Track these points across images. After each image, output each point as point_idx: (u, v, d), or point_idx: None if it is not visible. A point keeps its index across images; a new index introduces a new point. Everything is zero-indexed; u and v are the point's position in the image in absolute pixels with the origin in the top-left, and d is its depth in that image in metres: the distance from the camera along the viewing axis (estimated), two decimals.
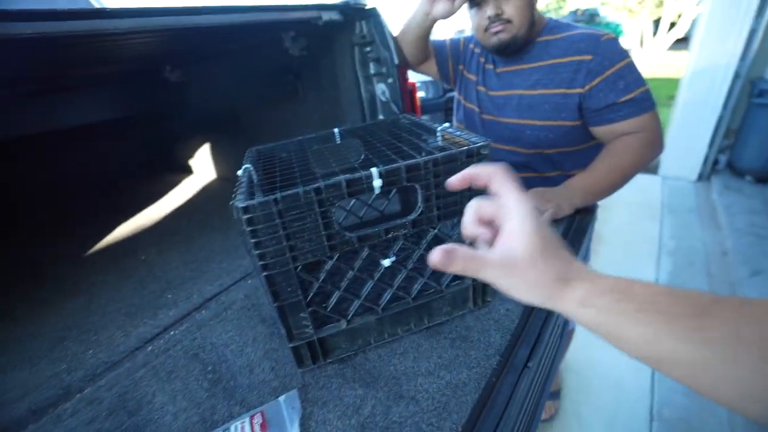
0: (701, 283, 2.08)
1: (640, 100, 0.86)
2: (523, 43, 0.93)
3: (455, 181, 0.37)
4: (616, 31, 10.37)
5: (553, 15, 10.12)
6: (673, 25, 7.87)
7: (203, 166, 1.93)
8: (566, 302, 0.31)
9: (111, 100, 2.00)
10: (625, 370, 1.56)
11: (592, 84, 0.86)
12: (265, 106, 1.61)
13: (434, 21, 1.01)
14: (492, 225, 0.36)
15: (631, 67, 0.86)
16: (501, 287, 0.33)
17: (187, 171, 2.02)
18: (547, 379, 0.63)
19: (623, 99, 0.85)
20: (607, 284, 0.31)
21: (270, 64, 1.43)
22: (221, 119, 1.84)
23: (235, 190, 0.50)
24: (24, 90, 1.51)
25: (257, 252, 0.46)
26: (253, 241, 0.45)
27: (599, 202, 1.08)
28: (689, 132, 3.03)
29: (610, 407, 1.47)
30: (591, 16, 10.43)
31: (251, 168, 0.59)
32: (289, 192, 0.44)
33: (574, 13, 10.52)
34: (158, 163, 2.09)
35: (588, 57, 0.86)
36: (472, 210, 0.36)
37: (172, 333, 0.72)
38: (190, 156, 1.98)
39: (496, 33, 0.90)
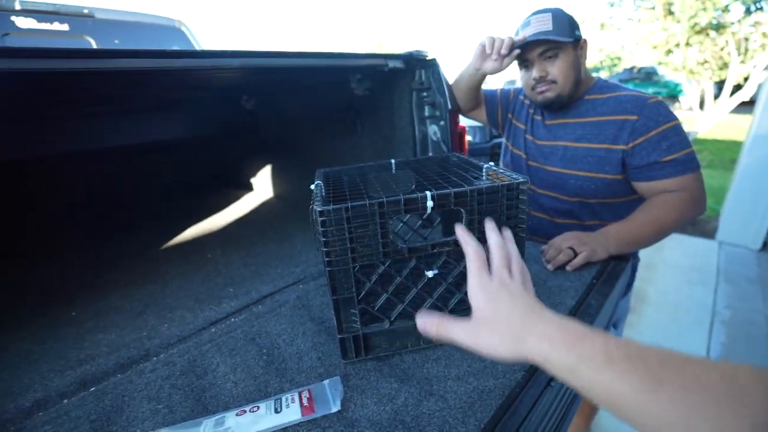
0: (761, 360, 1.92)
1: (684, 161, 0.90)
2: (568, 100, 1.01)
3: (459, 231, 0.49)
4: (675, 90, 10.14)
5: (607, 72, 10.12)
6: (738, 87, 7.60)
7: (263, 185, 2.14)
8: (533, 360, 0.36)
9: (192, 121, 2.30)
10: None
11: (636, 142, 0.92)
12: (324, 138, 1.79)
13: (484, 75, 1.13)
14: None
15: (677, 129, 0.91)
16: (471, 347, 0.40)
17: (248, 188, 2.24)
18: (572, 404, 0.66)
19: (666, 158, 0.90)
20: (565, 339, 0.35)
21: (334, 101, 1.61)
22: (284, 145, 2.06)
23: (311, 199, 0.61)
24: (125, 108, 1.80)
25: (325, 249, 0.56)
26: (323, 240, 0.55)
27: (643, 261, 1.09)
28: (752, 197, 2.89)
29: None
30: (648, 75, 10.31)
31: (322, 184, 0.71)
32: (358, 203, 0.54)
33: (630, 70, 10.45)
34: (223, 179, 2.33)
35: (634, 117, 0.93)
36: None
37: (233, 319, 0.83)
38: (253, 175, 2.20)
39: (542, 92, 1.00)
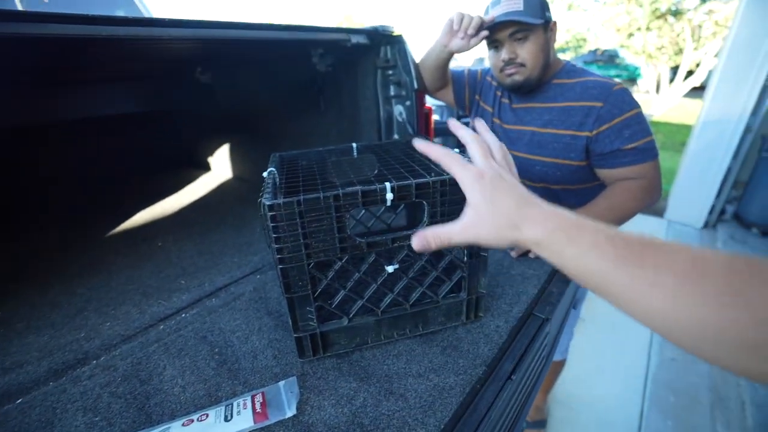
0: None
1: (644, 149, 0.92)
2: (537, 84, 0.99)
3: (420, 145, 0.48)
4: (635, 73, 10.53)
5: (572, 53, 10.32)
6: (690, 73, 7.99)
7: (221, 165, 2.01)
8: (526, 244, 0.39)
9: (141, 95, 2.11)
10: (614, 408, 1.57)
11: (600, 129, 0.92)
12: (286, 115, 1.69)
13: (451, 53, 1.08)
14: None
15: (639, 117, 0.92)
16: (471, 241, 0.42)
17: (205, 168, 2.11)
18: (530, 393, 0.67)
19: (628, 147, 0.91)
20: (557, 225, 0.37)
21: (296, 76, 1.52)
22: (243, 123, 1.93)
23: (261, 189, 0.56)
24: (64, 78, 1.61)
25: (276, 246, 0.51)
26: (274, 236, 0.51)
27: None
28: (697, 179, 3.07)
29: None
30: (610, 57, 10.60)
31: (275, 171, 0.65)
32: (311, 196, 0.50)
33: (594, 52, 10.70)
34: (178, 158, 2.18)
35: (599, 104, 0.92)
36: None
37: (183, 315, 0.77)
38: (210, 154, 2.07)
39: (510, 75, 0.97)
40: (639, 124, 0.92)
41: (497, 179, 0.41)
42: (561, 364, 1.43)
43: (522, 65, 0.95)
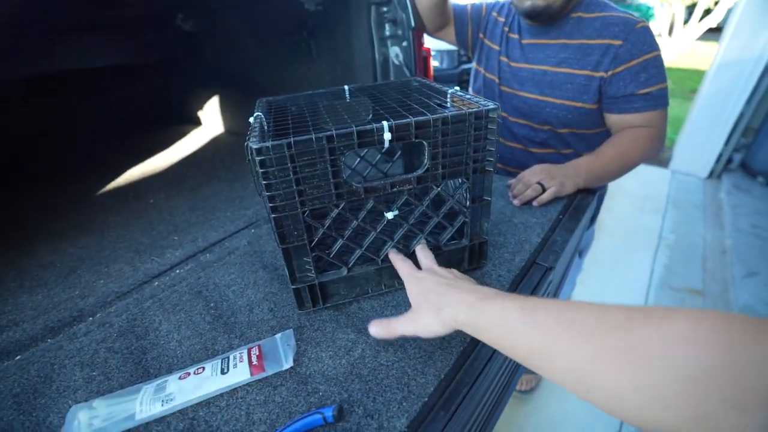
0: (695, 279, 2.11)
1: (657, 96, 0.86)
2: (556, 13, 0.90)
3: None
4: (647, 14, 9.89)
5: None
6: (707, 12, 7.49)
7: (212, 119, 1.93)
8: (450, 323, 0.43)
9: (123, 45, 1.96)
10: None
11: (616, 70, 0.85)
12: (277, 64, 1.58)
13: None
14: None
15: (657, 61, 0.85)
16: (415, 333, 0.46)
17: (196, 122, 2.02)
18: None
19: (641, 91, 0.85)
20: (470, 301, 0.42)
21: (284, 20, 1.40)
22: (232, 74, 1.82)
23: (248, 133, 0.51)
24: (42, 29, 1.49)
25: (267, 194, 0.48)
26: (264, 182, 0.47)
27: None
28: (706, 128, 2.97)
29: None
30: None
31: (262, 116, 0.60)
32: (302, 138, 0.45)
33: None
34: (167, 113, 2.08)
35: (618, 42, 0.84)
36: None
37: (177, 271, 0.75)
38: (199, 108, 1.98)
39: None
40: (657, 68, 0.85)
41: (429, 274, 0.50)
42: None
43: None
